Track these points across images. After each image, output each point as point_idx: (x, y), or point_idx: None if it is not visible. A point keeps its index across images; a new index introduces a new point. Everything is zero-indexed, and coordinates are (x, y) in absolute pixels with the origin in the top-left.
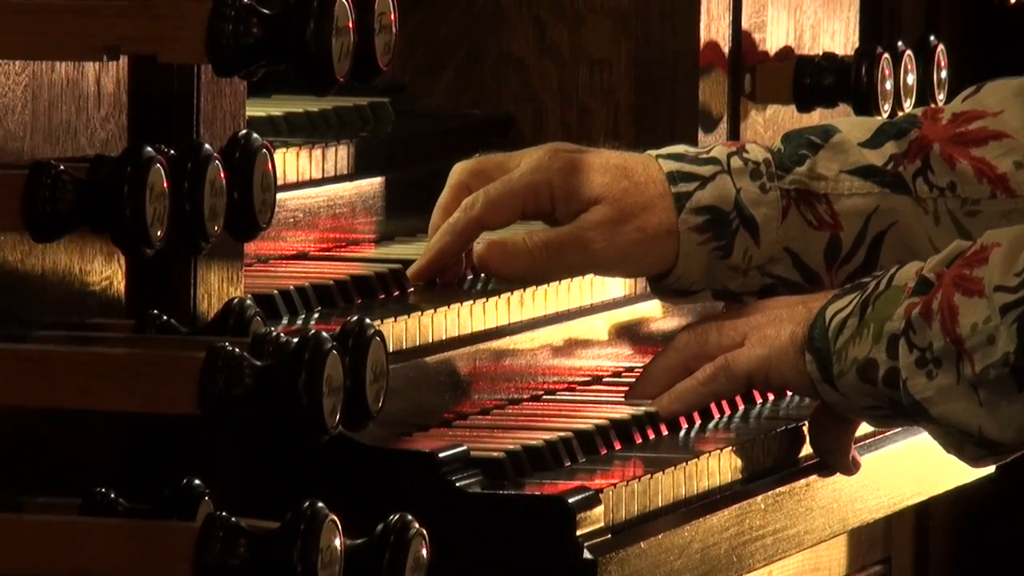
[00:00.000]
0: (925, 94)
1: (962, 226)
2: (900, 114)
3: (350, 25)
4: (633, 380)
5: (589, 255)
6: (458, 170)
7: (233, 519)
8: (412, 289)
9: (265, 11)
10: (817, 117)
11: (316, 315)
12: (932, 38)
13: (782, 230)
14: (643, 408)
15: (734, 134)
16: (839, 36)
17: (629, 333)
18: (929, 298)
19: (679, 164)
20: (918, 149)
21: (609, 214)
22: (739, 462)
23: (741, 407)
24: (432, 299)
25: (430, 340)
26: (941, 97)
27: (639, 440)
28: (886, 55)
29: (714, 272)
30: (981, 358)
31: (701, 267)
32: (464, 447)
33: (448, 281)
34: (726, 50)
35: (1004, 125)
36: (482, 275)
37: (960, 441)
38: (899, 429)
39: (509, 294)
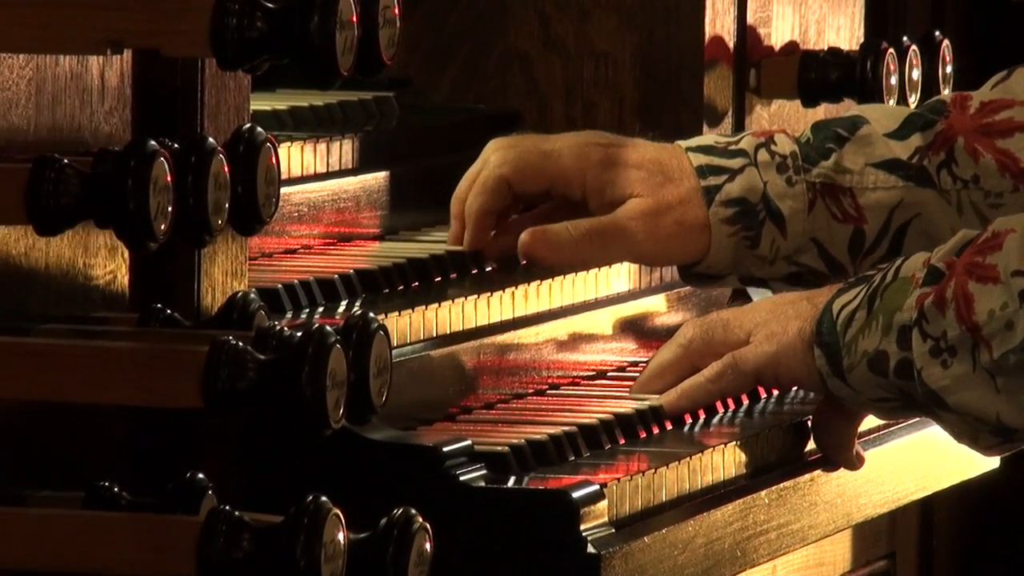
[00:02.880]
0: (930, 89)
1: (985, 217)
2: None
3: (354, 19)
4: (638, 374)
5: (631, 245)
6: (491, 145)
7: (236, 513)
8: (467, 251)
9: (269, 5)
10: (822, 112)
11: (320, 309)
12: (937, 33)
13: (809, 222)
14: (648, 402)
15: (739, 129)
16: (844, 31)
17: (633, 327)
18: (942, 287)
19: (708, 157)
20: (943, 141)
21: (649, 206)
22: (743, 457)
23: (745, 402)
24: (435, 293)
25: (434, 334)
26: (946, 92)
27: (643, 435)
28: (891, 50)
29: (742, 260)
30: (999, 344)
31: (730, 256)
32: (468, 441)
33: (494, 255)
34: (731, 45)
35: None
36: (485, 268)
37: (975, 430)
38: (903, 424)
39: (513, 288)
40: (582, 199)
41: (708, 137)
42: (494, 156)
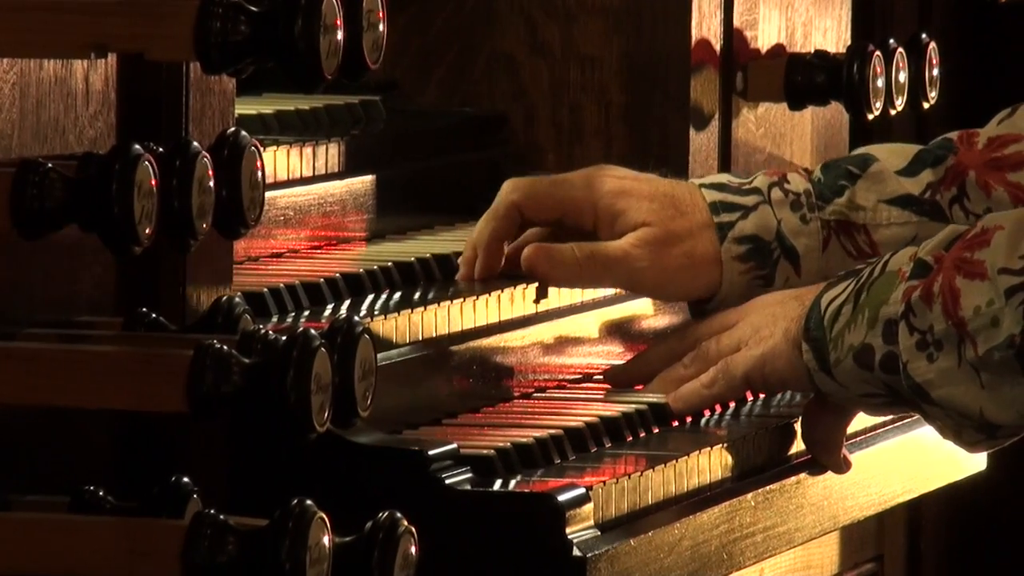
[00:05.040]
0: (916, 92)
1: None
2: (892, 114)
3: (338, 23)
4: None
5: (634, 273)
6: (506, 185)
7: (221, 517)
8: (478, 279)
9: (253, 8)
10: (809, 115)
11: (306, 313)
12: (924, 36)
13: (823, 260)
14: (635, 406)
15: (725, 132)
16: (831, 34)
17: (620, 331)
18: (929, 281)
19: (722, 195)
20: (954, 176)
21: (657, 235)
22: (730, 459)
23: (732, 405)
24: (421, 297)
25: (420, 337)
26: (933, 95)
27: (629, 438)
28: (878, 53)
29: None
30: (984, 340)
31: (741, 294)
32: (454, 445)
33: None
34: (717, 48)
35: None
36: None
37: (959, 425)
38: (890, 426)
39: (499, 292)
40: (593, 228)
41: (721, 176)
42: (506, 184)
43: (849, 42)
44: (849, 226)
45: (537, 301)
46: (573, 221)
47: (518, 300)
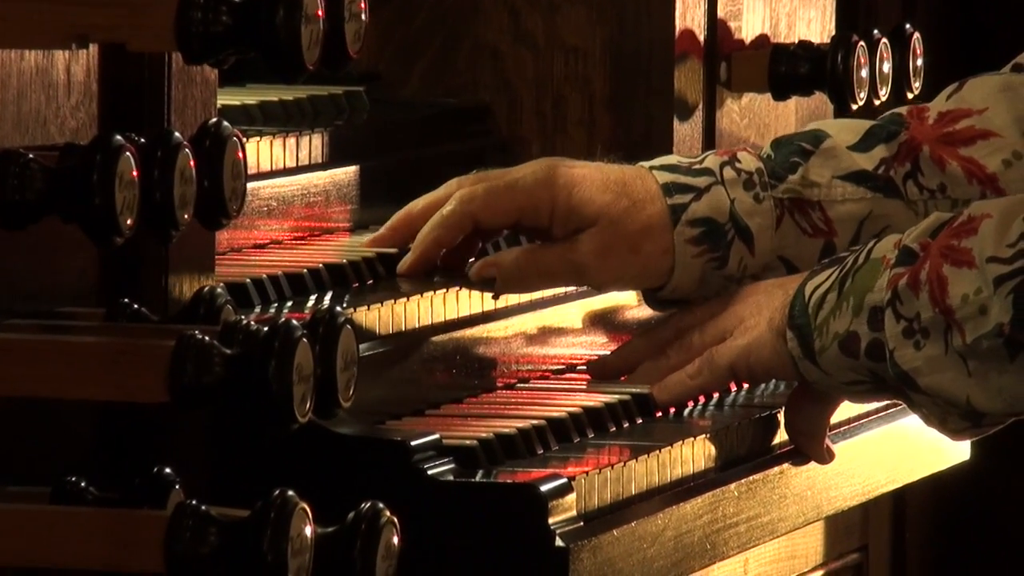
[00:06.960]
0: (901, 83)
1: None
2: (876, 104)
3: (320, 13)
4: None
5: (583, 278)
6: (455, 184)
7: (203, 508)
8: (401, 274)
9: None
10: (793, 105)
11: (289, 303)
12: (908, 26)
13: (776, 238)
14: (618, 396)
15: (709, 122)
16: (815, 24)
17: (603, 321)
18: (916, 268)
19: (673, 176)
20: (907, 151)
21: (604, 240)
22: (713, 450)
23: (716, 395)
24: (405, 287)
25: (403, 328)
26: (917, 85)
27: (612, 428)
28: (862, 43)
29: (708, 282)
30: (972, 329)
31: (696, 278)
32: (437, 435)
33: (454, 266)
34: (701, 38)
35: (990, 123)
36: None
37: (944, 413)
38: (874, 416)
39: None
40: (548, 225)
41: (671, 157)
42: (461, 192)
43: (833, 33)
44: (803, 203)
45: (496, 297)
46: (530, 220)
47: None
